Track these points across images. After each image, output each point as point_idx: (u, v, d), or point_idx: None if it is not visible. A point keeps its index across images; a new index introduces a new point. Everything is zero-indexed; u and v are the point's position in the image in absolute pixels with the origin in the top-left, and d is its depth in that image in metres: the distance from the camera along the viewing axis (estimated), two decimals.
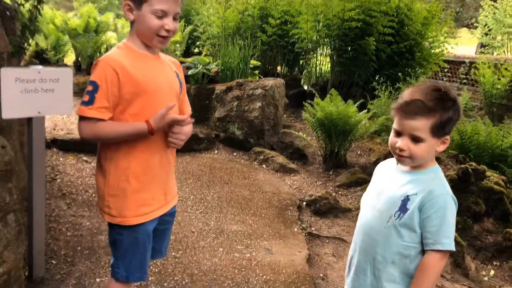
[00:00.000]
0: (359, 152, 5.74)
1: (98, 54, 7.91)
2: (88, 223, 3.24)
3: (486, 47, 13.89)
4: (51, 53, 8.85)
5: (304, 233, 3.57)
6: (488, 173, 4.33)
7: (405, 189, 1.55)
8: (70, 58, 9.20)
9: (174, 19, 1.70)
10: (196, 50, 10.02)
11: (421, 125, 1.48)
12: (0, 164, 1.82)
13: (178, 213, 3.60)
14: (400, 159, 1.57)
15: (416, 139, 1.50)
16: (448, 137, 1.55)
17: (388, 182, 1.64)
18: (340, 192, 4.58)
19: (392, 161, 1.70)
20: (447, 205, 1.49)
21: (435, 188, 1.51)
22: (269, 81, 5.85)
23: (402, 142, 1.52)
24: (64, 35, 8.39)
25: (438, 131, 1.50)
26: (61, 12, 10.30)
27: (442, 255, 1.50)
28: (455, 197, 1.54)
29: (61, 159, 4.46)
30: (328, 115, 4.94)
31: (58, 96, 2.36)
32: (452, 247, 1.49)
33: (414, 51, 7.20)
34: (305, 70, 9.38)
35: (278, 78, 6.42)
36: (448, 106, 1.49)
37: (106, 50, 8.04)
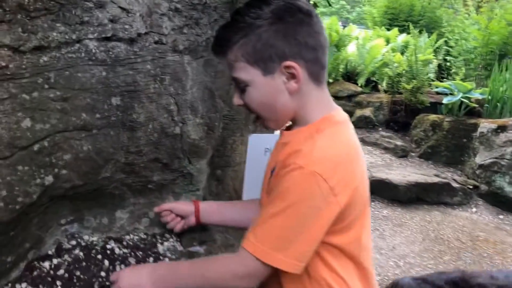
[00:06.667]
0: None
1: (338, 71, 7.27)
2: None
3: None
4: None
5: None
6: None
7: None
8: None
9: (241, 90, 1.05)
10: (454, 69, 7.95)
11: None
12: None
13: None
14: None
15: None
16: None
17: None
18: None
19: None
20: None
21: None
22: None
23: None
24: None
25: None
26: None
27: None
28: None
29: None
30: None
31: None
32: None
33: None
34: None
35: None
36: None
37: (346, 67, 7.35)
